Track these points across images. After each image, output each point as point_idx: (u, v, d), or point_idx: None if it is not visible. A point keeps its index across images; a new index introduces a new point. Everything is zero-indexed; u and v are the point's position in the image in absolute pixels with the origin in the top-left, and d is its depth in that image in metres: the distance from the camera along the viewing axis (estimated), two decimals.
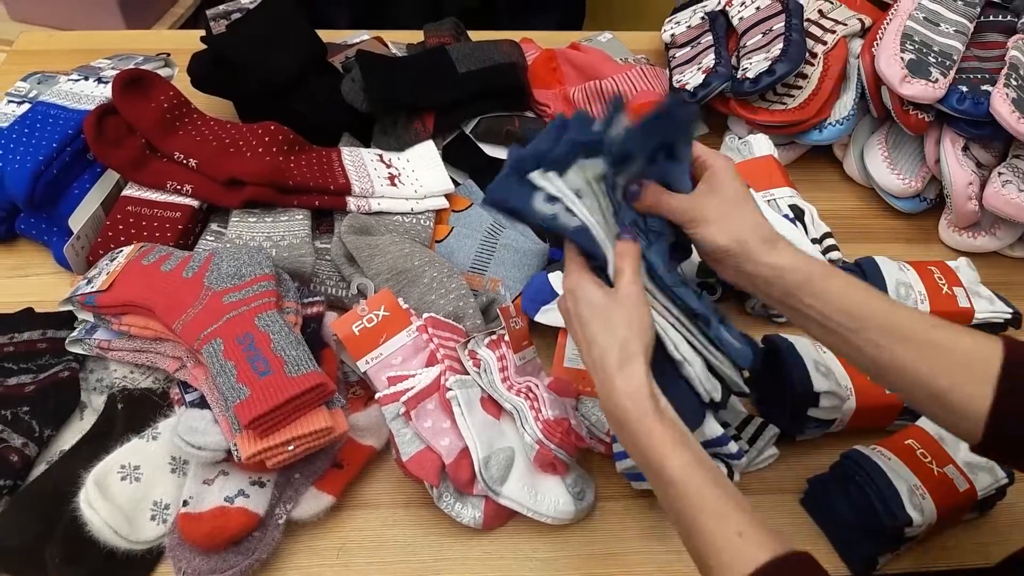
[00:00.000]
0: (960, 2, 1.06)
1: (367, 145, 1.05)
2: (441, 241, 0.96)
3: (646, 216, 0.68)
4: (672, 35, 1.21)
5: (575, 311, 0.64)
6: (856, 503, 0.73)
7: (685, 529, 0.57)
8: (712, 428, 0.70)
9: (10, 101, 0.99)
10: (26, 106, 0.97)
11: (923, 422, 0.79)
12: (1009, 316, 0.90)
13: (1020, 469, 0.63)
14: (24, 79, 1.02)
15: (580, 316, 0.63)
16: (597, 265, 0.66)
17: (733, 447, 0.72)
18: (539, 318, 0.84)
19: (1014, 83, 0.96)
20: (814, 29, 1.13)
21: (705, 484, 0.56)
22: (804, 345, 0.81)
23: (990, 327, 0.91)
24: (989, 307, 0.91)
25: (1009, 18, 1.06)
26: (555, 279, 0.86)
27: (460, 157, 1.06)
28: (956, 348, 0.58)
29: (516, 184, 0.66)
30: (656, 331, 0.65)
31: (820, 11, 1.16)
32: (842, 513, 0.75)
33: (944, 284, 0.90)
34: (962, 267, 0.95)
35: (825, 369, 0.79)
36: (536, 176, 0.65)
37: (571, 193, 0.65)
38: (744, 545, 0.53)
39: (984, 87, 0.98)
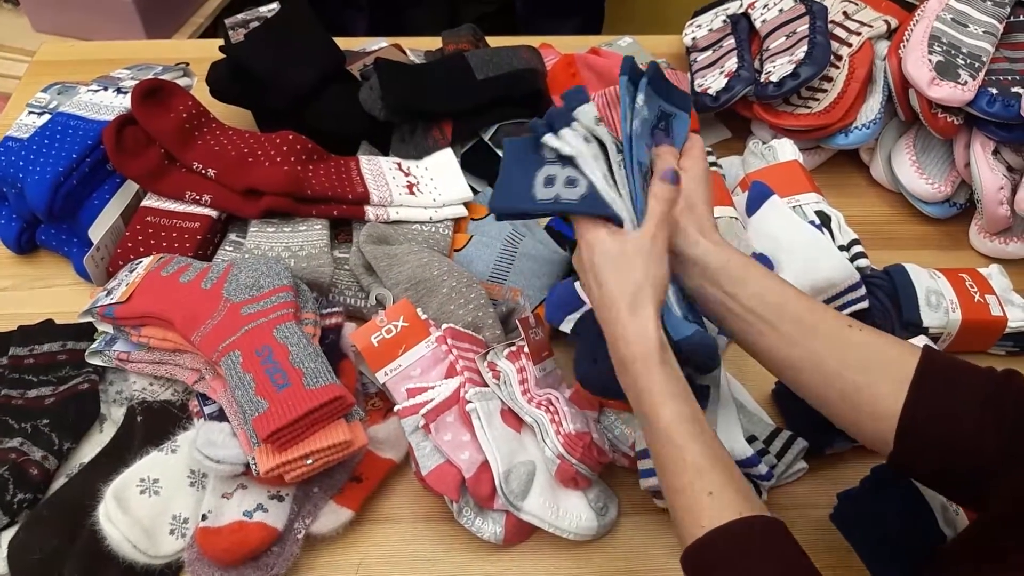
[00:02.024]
0: (989, 2, 1.04)
1: (385, 153, 1.04)
2: (460, 250, 0.95)
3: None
4: (693, 38, 1.19)
5: (590, 260, 0.63)
6: (887, 520, 0.71)
7: (665, 480, 0.58)
8: (742, 448, 0.69)
9: (31, 112, 0.99)
10: (46, 117, 0.97)
11: (985, 271, 0.88)
12: None
13: (928, 483, 0.63)
14: (44, 90, 1.03)
15: (594, 264, 0.62)
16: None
17: (763, 468, 0.70)
18: (564, 327, 0.82)
19: None
20: (839, 31, 1.11)
21: (691, 439, 0.57)
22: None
23: (1023, 336, 0.89)
24: (1022, 315, 0.88)
25: None
26: (581, 287, 0.85)
27: (479, 165, 1.05)
28: (871, 347, 0.59)
29: (515, 175, 0.67)
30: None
31: (845, 13, 1.14)
32: (873, 530, 0.73)
33: (976, 292, 0.88)
34: (994, 274, 0.93)
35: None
36: (545, 139, 0.65)
37: (576, 143, 0.64)
38: (712, 503, 0.54)
39: (1015, 89, 0.96)
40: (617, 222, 0.63)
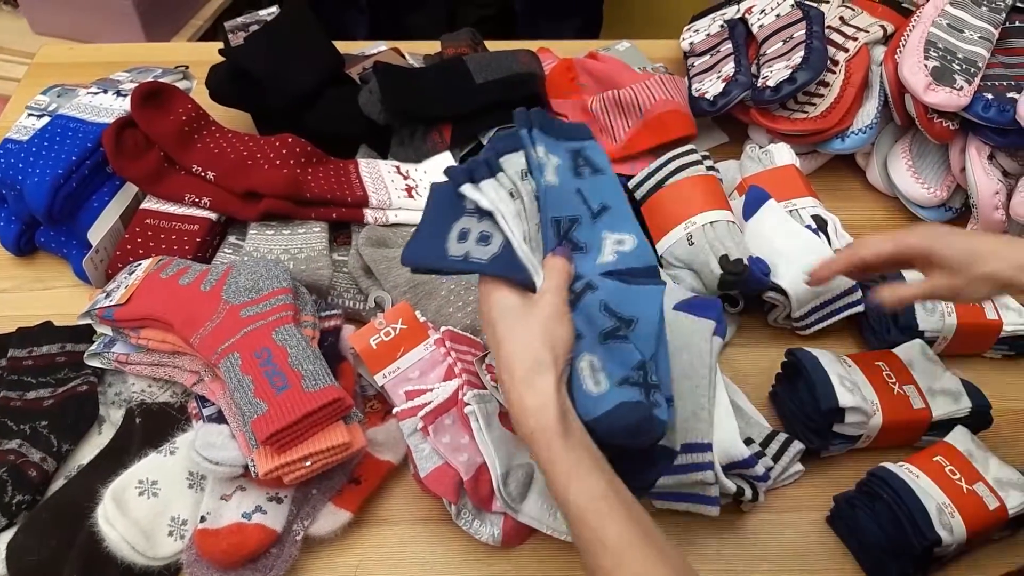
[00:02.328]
0: (985, 8, 1.05)
1: (384, 157, 1.05)
2: None
3: (583, 177, 0.64)
4: (691, 43, 1.20)
5: (488, 315, 0.59)
6: (883, 522, 0.72)
7: (585, 561, 0.54)
8: (739, 449, 0.69)
9: (30, 114, 0.99)
10: (46, 119, 0.97)
11: (951, 438, 0.77)
12: None
13: None
14: (44, 92, 1.03)
15: (493, 320, 0.58)
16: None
17: (760, 469, 0.71)
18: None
19: None
20: (835, 36, 1.11)
21: (606, 519, 0.53)
22: (829, 359, 0.80)
23: (1018, 340, 0.89)
24: (1017, 319, 0.89)
25: None
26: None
27: None
28: None
29: (434, 225, 0.63)
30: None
31: (841, 18, 1.14)
32: (869, 532, 0.73)
33: None
34: None
35: (851, 384, 0.78)
36: (465, 189, 0.61)
37: (495, 196, 0.60)
38: None
39: (1010, 94, 0.96)
40: (528, 286, 0.59)
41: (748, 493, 0.73)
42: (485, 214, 0.61)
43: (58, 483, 0.74)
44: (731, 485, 0.72)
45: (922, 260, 0.71)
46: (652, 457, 0.63)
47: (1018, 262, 0.65)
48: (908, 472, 0.73)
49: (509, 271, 0.59)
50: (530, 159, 0.62)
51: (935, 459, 0.74)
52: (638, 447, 0.59)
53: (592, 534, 0.53)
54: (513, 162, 0.62)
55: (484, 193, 0.60)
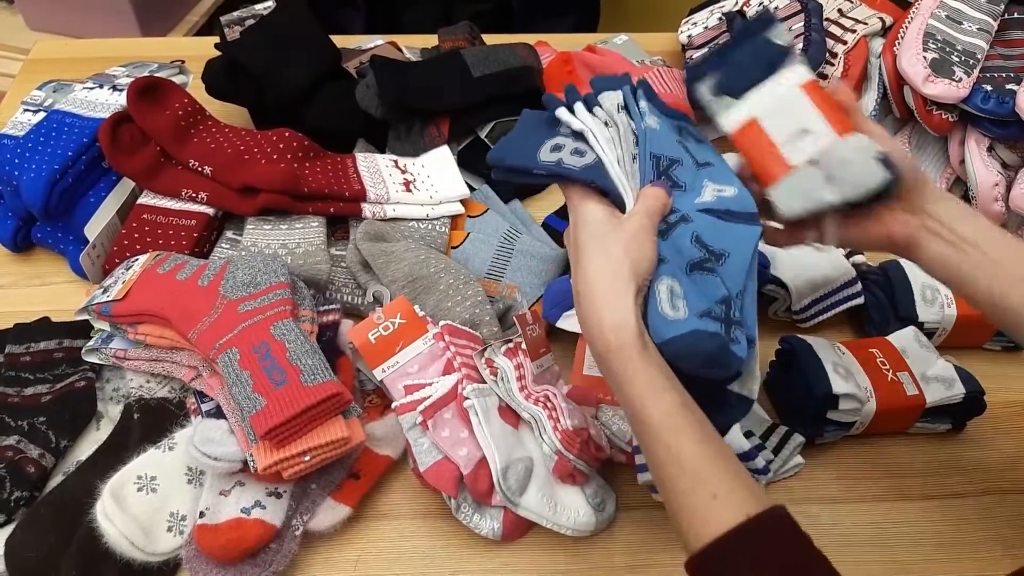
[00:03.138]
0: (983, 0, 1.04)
1: (382, 151, 1.04)
2: (457, 247, 0.95)
3: (686, 140, 0.64)
4: (689, 36, 1.19)
5: (575, 235, 0.59)
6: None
7: (661, 481, 0.55)
8: (739, 442, 0.69)
9: (26, 110, 0.99)
10: (41, 114, 0.97)
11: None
12: None
13: None
14: (40, 87, 1.02)
15: (579, 240, 0.58)
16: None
17: (760, 462, 0.71)
18: (561, 324, 0.82)
19: None
20: (834, 29, 1.11)
21: (683, 436, 0.53)
22: (823, 347, 0.80)
23: None
24: None
25: None
26: None
27: (475, 162, 1.05)
28: None
29: (524, 137, 0.64)
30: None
31: (840, 10, 1.14)
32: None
33: None
34: None
35: (844, 371, 0.78)
36: (560, 112, 0.63)
37: (589, 122, 0.62)
38: (718, 508, 0.51)
39: (1009, 86, 0.96)
40: (616, 201, 0.59)
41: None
42: (579, 136, 0.62)
43: (56, 479, 0.73)
44: None
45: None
46: (726, 401, 0.60)
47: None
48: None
49: (598, 179, 0.59)
50: (629, 105, 0.63)
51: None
52: (708, 378, 0.58)
53: (667, 452, 0.53)
54: (610, 98, 0.62)
55: (578, 116, 0.62)
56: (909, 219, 0.64)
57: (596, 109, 0.63)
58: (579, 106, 0.63)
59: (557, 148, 0.62)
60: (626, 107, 0.64)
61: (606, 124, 0.63)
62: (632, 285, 0.55)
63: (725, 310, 0.57)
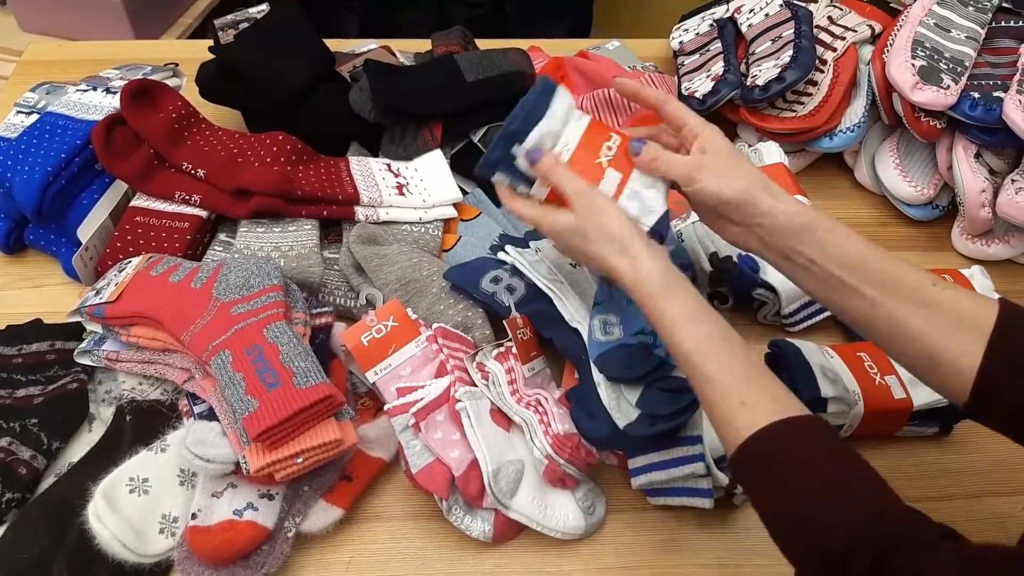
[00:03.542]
0: (971, 8, 1.06)
1: (375, 154, 1.05)
2: (449, 250, 0.95)
3: None
4: (681, 42, 1.20)
5: (574, 240, 0.68)
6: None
7: (700, 397, 0.62)
8: None
9: (19, 112, 0.99)
10: (35, 117, 0.97)
11: None
12: None
13: (1005, 432, 0.61)
14: (33, 89, 1.02)
15: (583, 228, 0.67)
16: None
17: None
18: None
19: None
20: (824, 36, 1.12)
21: (712, 358, 0.60)
22: (811, 351, 0.81)
23: None
24: None
25: (1021, 24, 1.05)
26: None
27: (468, 166, 1.05)
28: (954, 304, 0.59)
29: (474, 266, 0.86)
30: None
31: (829, 18, 1.15)
32: None
33: None
34: (975, 275, 0.94)
35: (832, 375, 0.78)
36: (501, 255, 0.84)
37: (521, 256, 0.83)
38: (746, 412, 0.57)
39: (996, 93, 0.97)
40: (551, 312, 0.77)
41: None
42: (516, 271, 0.85)
43: (48, 481, 0.73)
44: (724, 477, 0.72)
45: (696, 140, 0.69)
46: (676, 388, 0.72)
47: (762, 179, 0.66)
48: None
49: (528, 307, 0.81)
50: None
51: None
52: (634, 376, 0.73)
53: (699, 372, 0.60)
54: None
55: (510, 254, 0.85)
56: (740, 231, 0.68)
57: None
58: (510, 248, 0.84)
59: (496, 280, 0.83)
60: None
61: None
62: (639, 238, 0.66)
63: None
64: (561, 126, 0.70)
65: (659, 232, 0.70)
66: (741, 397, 0.58)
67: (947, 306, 0.59)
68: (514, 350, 0.79)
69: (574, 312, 0.79)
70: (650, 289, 0.64)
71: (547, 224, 0.70)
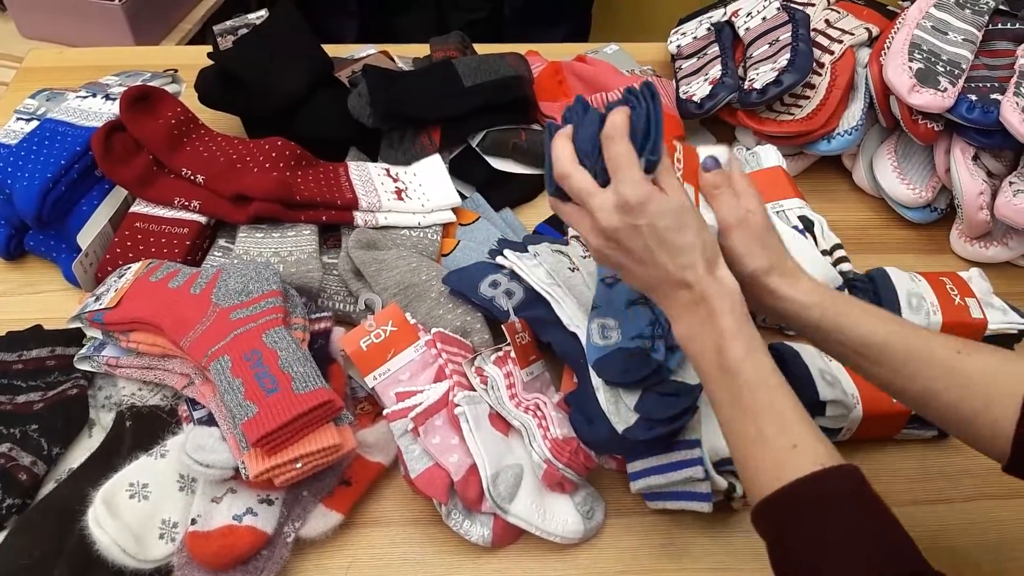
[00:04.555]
0: (968, 10, 1.06)
1: (374, 159, 1.05)
2: (448, 255, 0.96)
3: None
4: (678, 46, 1.21)
5: (639, 225, 0.61)
6: None
7: (743, 430, 0.58)
8: (725, 446, 0.70)
9: (19, 118, 0.99)
10: (34, 123, 0.97)
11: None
12: (1023, 327, 0.89)
13: None
14: (32, 96, 1.03)
15: (655, 227, 0.61)
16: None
17: None
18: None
19: None
20: (821, 39, 1.12)
21: (777, 392, 0.58)
22: (809, 354, 0.81)
23: (1003, 338, 0.90)
24: (1002, 318, 0.90)
25: (1018, 26, 1.05)
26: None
27: (467, 170, 1.06)
28: (984, 371, 0.58)
29: (472, 270, 0.86)
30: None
31: (827, 21, 1.15)
32: None
33: (956, 295, 0.89)
34: (974, 278, 0.94)
35: (831, 378, 0.79)
36: (499, 259, 0.84)
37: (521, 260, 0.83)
38: (794, 457, 0.55)
39: (994, 96, 0.97)
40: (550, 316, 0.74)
41: (739, 490, 0.73)
42: (515, 276, 0.86)
43: (48, 487, 0.73)
44: (722, 481, 0.72)
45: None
46: (674, 392, 0.73)
47: (784, 261, 0.66)
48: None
49: (528, 312, 0.80)
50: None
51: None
52: (632, 380, 0.73)
53: (760, 403, 0.58)
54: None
55: (508, 258, 0.86)
56: (763, 307, 0.67)
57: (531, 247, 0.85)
58: (508, 252, 0.85)
59: (494, 285, 0.83)
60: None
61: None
62: (719, 255, 0.63)
63: (651, 329, 0.75)
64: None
65: None
66: (794, 439, 0.56)
67: (977, 374, 0.59)
68: (513, 354, 0.79)
69: (572, 316, 0.79)
70: (735, 306, 0.60)
71: (623, 196, 0.61)
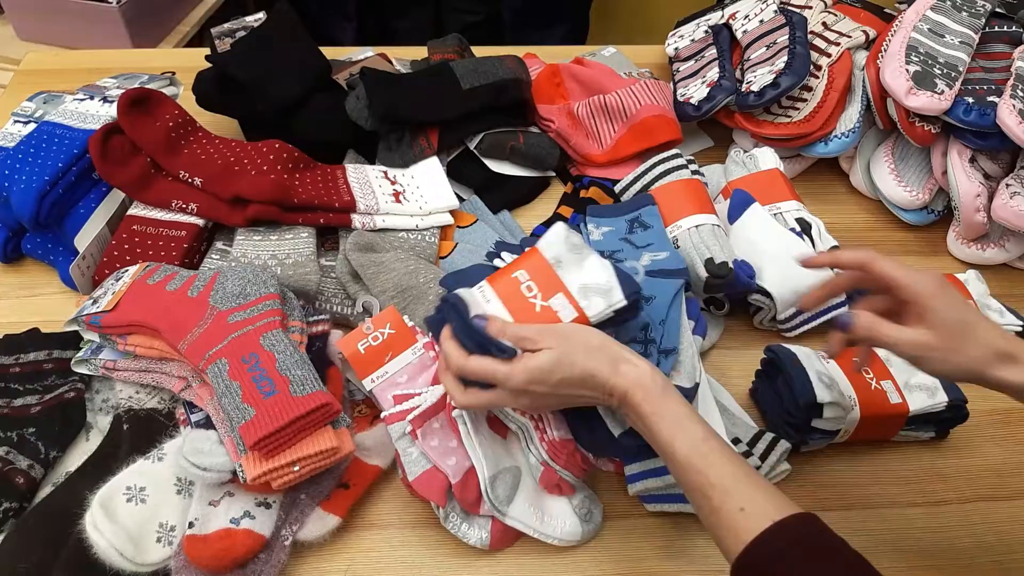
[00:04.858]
0: (965, 13, 1.06)
1: (372, 162, 1.05)
2: (446, 257, 0.96)
3: (635, 231, 0.83)
4: (676, 48, 1.21)
5: (557, 374, 0.64)
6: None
7: (696, 504, 0.61)
8: None
9: (16, 121, 0.99)
10: (32, 126, 0.97)
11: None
12: (1019, 328, 0.90)
13: None
14: (30, 99, 1.03)
15: (559, 371, 0.64)
16: None
17: None
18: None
19: (1020, 94, 0.95)
20: (818, 42, 1.12)
21: (709, 462, 0.60)
22: (807, 356, 0.81)
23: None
24: (999, 320, 0.90)
25: (1015, 28, 1.05)
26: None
27: (465, 173, 1.06)
28: None
29: (473, 274, 0.80)
30: None
31: (824, 23, 1.16)
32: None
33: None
34: (971, 280, 0.95)
35: (828, 379, 0.79)
36: (497, 262, 0.85)
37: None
38: (745, 519, 0.57)
39: (990, 98, 0.97)
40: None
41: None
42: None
43: (45, 490, 0.73)
44: None
45: (914, 306, 0.62)
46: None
47: (997, 348, 0.60)
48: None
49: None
50: (581, 230, 0.90)
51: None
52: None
53: (701, 477, 0.60)
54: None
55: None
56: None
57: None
58: (506, 254, 0.85)
59: None
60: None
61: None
62: (609, 352, 0.66)
63: (644, 333, 0.77)
64: (485, 304, 0.70)
65: (634, 293, 0.70)
66: (740, 502, 0.58)
67: None
68: None
69: None
70: (648, 391, 0.63)
71: (526, 372, 0.64)
